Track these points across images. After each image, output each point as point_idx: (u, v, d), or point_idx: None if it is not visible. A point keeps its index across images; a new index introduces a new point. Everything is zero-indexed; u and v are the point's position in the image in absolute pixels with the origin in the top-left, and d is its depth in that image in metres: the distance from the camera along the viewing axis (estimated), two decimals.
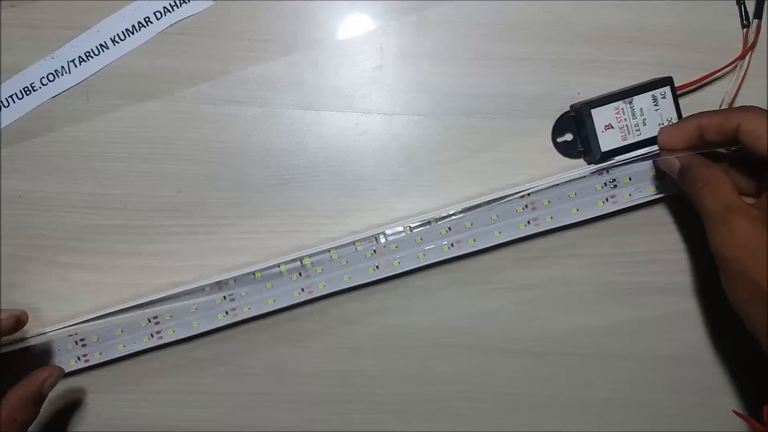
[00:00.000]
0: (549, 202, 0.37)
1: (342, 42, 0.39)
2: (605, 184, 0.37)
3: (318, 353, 0.38)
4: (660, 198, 0.37)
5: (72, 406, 0.39)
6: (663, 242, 0.39)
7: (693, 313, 0.37)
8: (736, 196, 0.30)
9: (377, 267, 0.37)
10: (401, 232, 0.37)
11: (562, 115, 0.38)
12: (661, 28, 0.38)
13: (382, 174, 0.38)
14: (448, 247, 0.37)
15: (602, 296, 0.37)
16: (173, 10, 0.39)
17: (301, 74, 0.39)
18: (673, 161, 0.34)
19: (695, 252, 0.39)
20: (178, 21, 0.39)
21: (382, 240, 0.37)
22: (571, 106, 0.38)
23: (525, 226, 0.37)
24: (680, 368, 0.37)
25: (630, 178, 0.37)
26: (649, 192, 0.37)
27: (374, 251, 0.37)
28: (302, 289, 0.37)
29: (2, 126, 0.39)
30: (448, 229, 0.37)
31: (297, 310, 0.38)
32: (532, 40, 0.39)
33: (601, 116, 0.37)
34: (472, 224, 0.37)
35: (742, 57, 0.37)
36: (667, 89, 0.36)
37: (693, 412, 0.37)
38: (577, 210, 0.37)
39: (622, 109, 0.37)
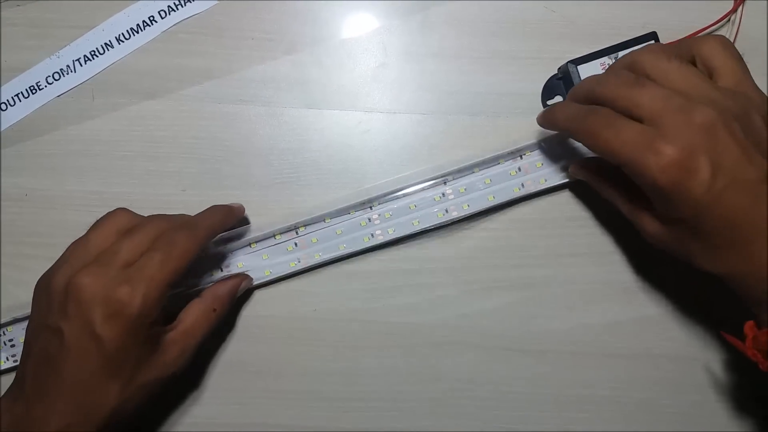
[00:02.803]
0: (541, 164, 0.37)
1: (346, 41, 0.39)
2: None
3: (320, 351, 0.38)
4: None
5: None
6: None
7: (693, 311, 0.37)
8: None
9: (372, 235, 0.37)
10: (395, 198, 0.37)
11: (550, 78, 0.38)
12: (664, 26, 0.38)
13: (384, 172, 0.39)
14: (443, 213, 0.37)
15: (603, 294, 0.37)
16: (178, 9, 0.39)
17: (305, 73, 0.39)
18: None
19: None
20: (183, 20, 0.40)
21: (377, 207, 0.37)
22: (558, 69, 0.38)
23: (519, 189, 0.37)
24: (681, 367, 0.37)
25: None
26: None
27: (369, 219, 0.37)
28: (298, 260, 0.37)
29: (8, 125, 0.39)
30: (441, 195, 0.37)
31: (298, 308, 0.38)
32: (535, 39, 0.39)
33: (587, 73, 0.36)
34: (465, 189, 0.37)
35: (734, 11, 0.38)
36: (651, 44, 0.36)
37: (693, 411, 0.37)
38: (568, 170, 0.37)
39: (608, 64, 0.36)
